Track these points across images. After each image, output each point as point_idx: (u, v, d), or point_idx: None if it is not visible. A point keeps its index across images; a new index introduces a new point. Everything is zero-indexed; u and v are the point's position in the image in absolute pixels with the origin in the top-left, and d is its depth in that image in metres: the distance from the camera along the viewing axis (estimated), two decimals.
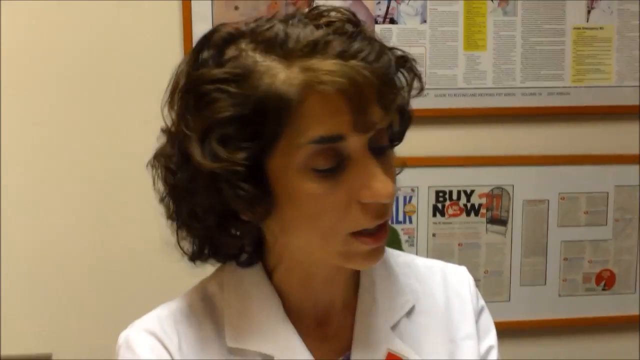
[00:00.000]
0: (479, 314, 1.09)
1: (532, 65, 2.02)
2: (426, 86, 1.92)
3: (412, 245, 2.00)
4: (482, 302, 1.10)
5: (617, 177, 2.10)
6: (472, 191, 2.04)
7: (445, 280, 1.08)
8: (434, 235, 2.04)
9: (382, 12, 1.95)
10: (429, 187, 2.02)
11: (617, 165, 2.10)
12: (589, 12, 2.03)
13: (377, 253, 0.91)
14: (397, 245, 2.00)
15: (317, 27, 0.88)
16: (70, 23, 1.91)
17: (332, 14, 0.90)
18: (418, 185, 2.01)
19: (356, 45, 0.86)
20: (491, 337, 1.09)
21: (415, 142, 1.97)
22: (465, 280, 1.10)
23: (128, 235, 1.95)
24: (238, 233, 0.94)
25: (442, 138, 2.03)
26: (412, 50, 1.91)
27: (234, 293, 0.99)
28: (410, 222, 2.02)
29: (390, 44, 0.93)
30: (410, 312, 1.03)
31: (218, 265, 1.03)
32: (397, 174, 0.97)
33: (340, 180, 0.86)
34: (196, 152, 0.86)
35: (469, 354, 1.04)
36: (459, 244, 2.05)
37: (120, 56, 1.91)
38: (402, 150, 1.95)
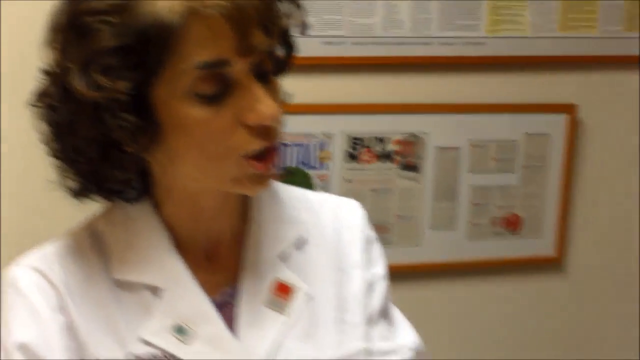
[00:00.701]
0: (368, 244, 1.11)
1: (449, 14, 2.03)
2: (344, 34, 1.96)
3: (326, 190, 2.02)
4: (372, 233, 1.13)
5: (526, 125, 2.15)
6: (386, 138, 2.06)
7: (336, 212, 1.11)
8: (347, 181, 2.06)
9: None
10: (343, 134, 2.04)
11: (527, 114, 2.15)
12: None
13: (266, 179, 0.94)
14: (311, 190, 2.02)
15: None
16: None
17: None
18: (333, 132, 2.03)
19: None
20: (380, 267, 1.11)
21: (331, 89, 2.02)
22: (355, 212, 1.13)
23: None
24: (123, 165, 0.94)
25: (358, 85, 2.04)
26: None
27: (122, 228, 1.00)
28: (325, 168, 2.04)
29: None
30: (299, 243, 1.06)
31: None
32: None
33: (225, 104, 0.89)
34: (77, 83, 0.87)
35: (356, 281, 1.07)
36: (372, 190, 2.08)
37: None
38: (317, 97, 2.00)
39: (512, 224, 2.20)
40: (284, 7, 0.96)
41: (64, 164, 0.96)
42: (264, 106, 0.88)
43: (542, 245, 2.23)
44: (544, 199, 2.20)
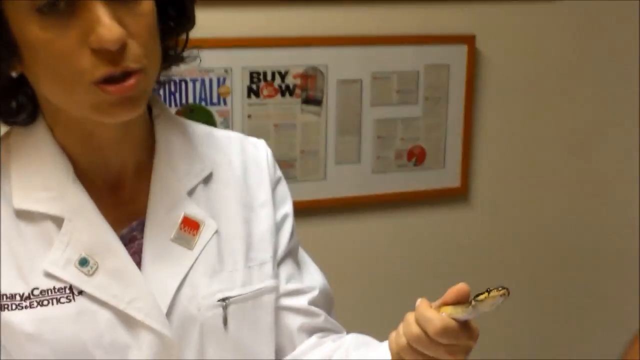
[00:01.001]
0: (276, 183, 1.12)
1: None
2: None
3: (227, 127, 2.00)
4: (279, 172, 1.14)
5: (427, 57, 2.16)
6: (287, 72, 2.05)
7: (244, 150, 1.11)
8: (249, 116, 2.04)
9: None
10: (242, 68, 2.01)
11: (427, 45, 2.15)
12: None
13: (126, 104, 0.89)
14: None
15: None
16: None
17: None
18: (232, 66, 2.00)
19: None
20: (287, 206, 1.13)
21: (229, 23, 1.98)
22: (262, 150, 1.13)
23: None
24: None
25: (256, 19, 2.01)
26: None
27: (21, 155, 0.97)
28: (225, 104, 2.01)
29: None
30: (207, 179, 1.05)
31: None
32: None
33: (69, 25, 0.85)
34: None
35: (264, 220, 1.08)
36: (274, 125, 2.07)
37: None
38: (214, 31, 1.95)
39: (416, 156, 2.21)
40: None
41: None
42: (104, 29, 0.83)
43: (446, 177, 2.26)
44: (447, 130, 2.22)
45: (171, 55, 1.02)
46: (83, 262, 0.95)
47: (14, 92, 0.95)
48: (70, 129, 0.96)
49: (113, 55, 0.85)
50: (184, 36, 1.03)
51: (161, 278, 0.98)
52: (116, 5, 0.85)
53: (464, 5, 2.18)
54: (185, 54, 1.05)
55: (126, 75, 0.87)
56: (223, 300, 1.01)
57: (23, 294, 0.93)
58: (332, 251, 2.18)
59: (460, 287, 0.90)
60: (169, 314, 0.97)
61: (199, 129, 1.11)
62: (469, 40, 2.18)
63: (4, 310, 0.92)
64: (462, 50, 2.18)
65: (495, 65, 2.25)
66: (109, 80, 0.86)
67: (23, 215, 0.95)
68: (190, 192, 1.03)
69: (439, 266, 2.33)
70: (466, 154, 2.26)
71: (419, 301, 0.92)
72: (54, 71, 0.87)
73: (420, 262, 2.32)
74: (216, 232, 1.03)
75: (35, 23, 0.84)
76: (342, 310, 1.23)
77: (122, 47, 0.85)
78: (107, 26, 0.83)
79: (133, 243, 0.99)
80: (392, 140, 2.18)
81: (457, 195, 2.31)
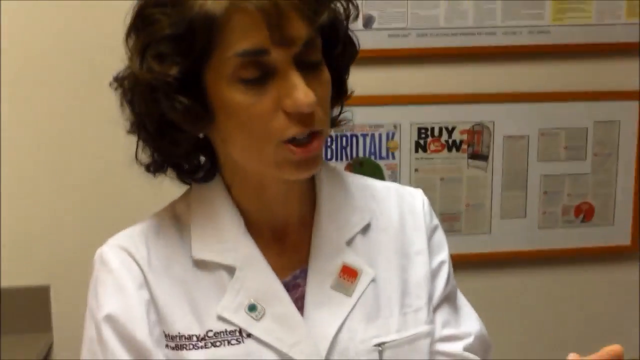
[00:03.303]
0: (432, 231, 1.15)
1: (513, 4, 2.05)
2: (408, 26, 2.00)
3: (395, 179, 2.06)
4: (435, 220, 1.17)
5: (596, 113, 2.15)
6: (454, 128, 2.09)
7: (401, 199, 1.15)
8: (416, 170, 2.09)
9: None
10: (411, 124, 2.07)
11: (596, 101, 2.14)
12: None
13: (309, 164, 0.99)
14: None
15: None
16: (71, 22, 1.94)
17: None
18: (401, 122, 2.06)
19: None
20: (443, 254, 1.15)
21: (398, 81, 2.06)
22: (419, 199, 1.16)
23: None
24: (178, 142, 1.02)
25: (424, 77, 2.07)
26: None
27: (200, 209, 1.07)
28: (394, 158, 2.07)
29: None
30: (365, 229, 1.10)
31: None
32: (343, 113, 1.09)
33: (266, 90, 0.95)
34: (135, 66, 0.97)
35: (420, 268, 1.11)
36: (440, 179, 2.10)
37: (122, 55, 1.94)
38: (384, 89, 2.03)
39: (584, 213, 2.19)
40: (338, 6, 1.02)
41: (139, 140, 1.05)
42: (300, 94, 0.93)
43: (615, 234, 2.22)
44: (616, 187, 2.19)
45: (333, 119, 1.11)
46: (252, 308, 1.02)
47: (198, 152, 1.06)
48: (246, 185, 1.06)
49: (304, 117, 0.95)
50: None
51: (321, 323, 1.03)
52: (305, 73, 0.96)
53: (632, 60, 2.15)
54: (340, 117, 1.13)
55: (310, 136, 0.97)
56: (379, 345, 1.04)
57: (199, 336, 1.01)
58: (495, 304, 2.18)
59: (614, 348, 0.88)
60: (328, 356, 1.02)
61: (358, 180, 1.16)
62: (639, 96, 2.15)
63: (182, 350, 1.01)
64: (633, 106, 2.15)
65: None
66: (293, 140, 0.96)
67: (200, 264, 1.04)
68: (349, 242, 1.08)
69: (602, 324, 2.26)
70: (637, 210, 2.21)
71: (571, 356, 0.92)
72: (246, 130, 0.97)
73: (585, 320, 2.26)
74: (373, 279, 1.07)
75: (237, 90, 0.95)
76: None
77: (312, 111, 0.95)
78: (304, 92, 0.94)
79: (296, 290, 1.06)
80: (559, 195, 2.17)
81: (627, 254, 2.25)
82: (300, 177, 1.01)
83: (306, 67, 0.96)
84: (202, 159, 1.08)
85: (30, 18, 1.93)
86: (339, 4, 1.03)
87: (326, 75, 1.00)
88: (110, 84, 1.04)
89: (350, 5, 1.04)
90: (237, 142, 0.99)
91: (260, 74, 0.95)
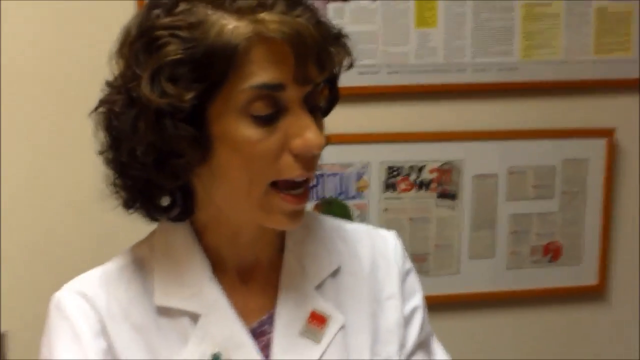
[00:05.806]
0: (405, 275, 1.12)
1: (482, 41, 2.03)
2: (378, 63, 1.97)
3: (363, 220, 2.02)
4: (409, 264, 1.14)
5: (564, 151, 2.13)
6: (423, 167, 2.06)
7: (373, 243, 1.13)
8: (385, 210, 2.05)
9: None
10: (380, 163, 2.03)
11: (564, 139, 2.12)
12: None
13: (297, 216, 0.97)
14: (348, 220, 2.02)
15: None
16: (72, 23, 1.89)
17: None
18: (370, 161, 2.03)
19: (299, 8, 0.92)
20: (417, 299, 1.13)
21: (368, 118, 2.02)
22: (391, 242, 1.14)
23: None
24: (174, 174, 0.96)
25: (394, 114, 2.04)
26: (365, 28, 1.94)
27: (163, 254, 1.03)
28: (362, 197, 2.04)
29: (343, 22, 0.98)
30: (335, 273, 1.08)
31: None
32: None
33: (275, 128, 0.92)
34: (146, 89, 0.90)
35: (391, 314, 1.09)
36: (409, 219, 2.07)
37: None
38: (354, 127, 1.99)
39: (552, 252, 2.16)
40: (336, 49, 0.99)
41: (116, 173, 0.99)
42: (312, 134, 0.92)
43: (583, 274, 2.19)
44: (584, 226, 2.17)
45: None
46: (216, 358, 0.99)
47: (183, 180, 0.99)
48: (220, 228, 1.02)
49: (308, 160, 0.93)
50: None
51: None
52: (313, 116, 0.93)
53: (601, 98, 2.14)
54: None
55: (303, 183, 0.95)
56: None
57: None
58: (464, 346, 2.14)
59: None
60: None
61: (329, 223, 1.14)
62: (608, 133, 2.14)
63: None
64: (601, 144, 2.14)
65: (635, 158, 2.19)
66: (287, 184, 0.94)
67: (162, 311, 1.01)
68: (319, 287, 1.06)
69: None
70: (604, 250, 2.19)
71: None
72: (246, 168, 0.93)
73: None
74: (342, 326, 1.04)
75: (247, 124, 0.91)
76: None
77: (319, 154, 0.94)
78: (316, 133, 0.91)
79: (263, 337, 1.02)
80: (527, 235, 2.15)
81: (595, 294, 2.23)
82: (291, 228, 0.99)
83: (310, 110, 0.93)
84: (179, 197, 1.03)
85: (31, 18, 1.87)
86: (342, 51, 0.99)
87: (323, 120, 0.98)
88: (93, 111, 0.98)
89: (348, 54, 1.01)
90: (228, 179, 0.95)
91: (272, 109, 0.91)
